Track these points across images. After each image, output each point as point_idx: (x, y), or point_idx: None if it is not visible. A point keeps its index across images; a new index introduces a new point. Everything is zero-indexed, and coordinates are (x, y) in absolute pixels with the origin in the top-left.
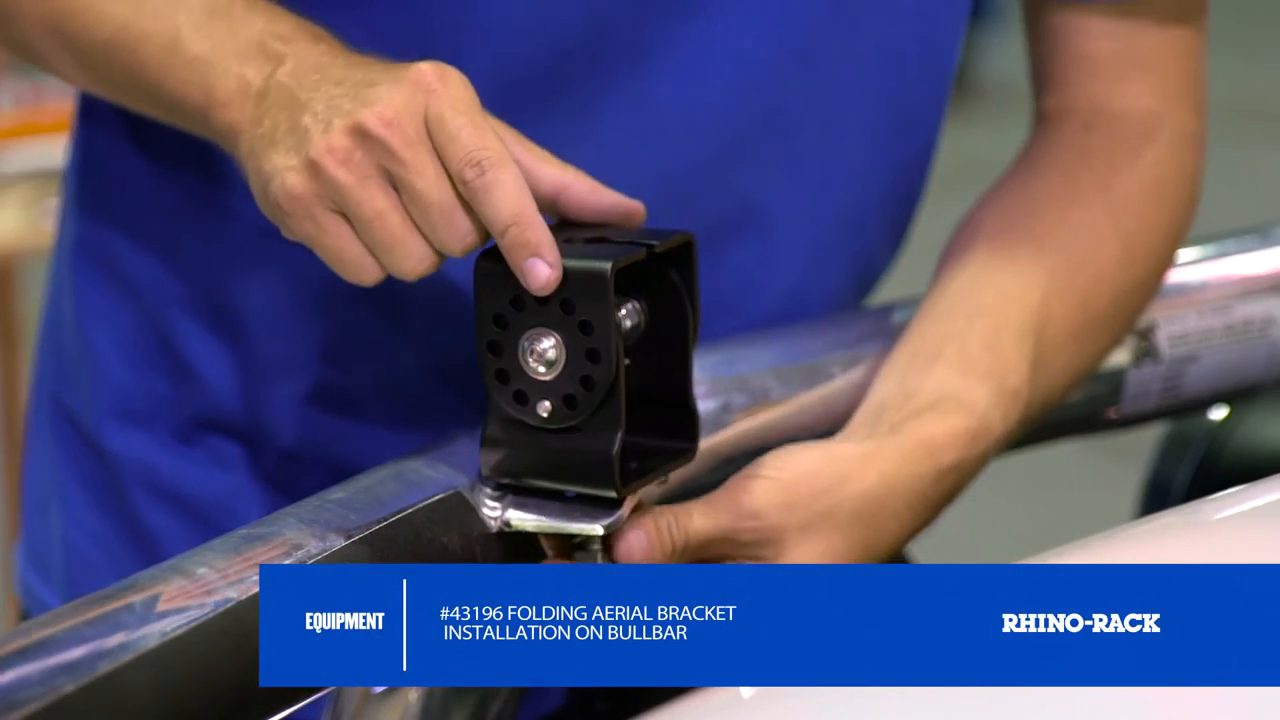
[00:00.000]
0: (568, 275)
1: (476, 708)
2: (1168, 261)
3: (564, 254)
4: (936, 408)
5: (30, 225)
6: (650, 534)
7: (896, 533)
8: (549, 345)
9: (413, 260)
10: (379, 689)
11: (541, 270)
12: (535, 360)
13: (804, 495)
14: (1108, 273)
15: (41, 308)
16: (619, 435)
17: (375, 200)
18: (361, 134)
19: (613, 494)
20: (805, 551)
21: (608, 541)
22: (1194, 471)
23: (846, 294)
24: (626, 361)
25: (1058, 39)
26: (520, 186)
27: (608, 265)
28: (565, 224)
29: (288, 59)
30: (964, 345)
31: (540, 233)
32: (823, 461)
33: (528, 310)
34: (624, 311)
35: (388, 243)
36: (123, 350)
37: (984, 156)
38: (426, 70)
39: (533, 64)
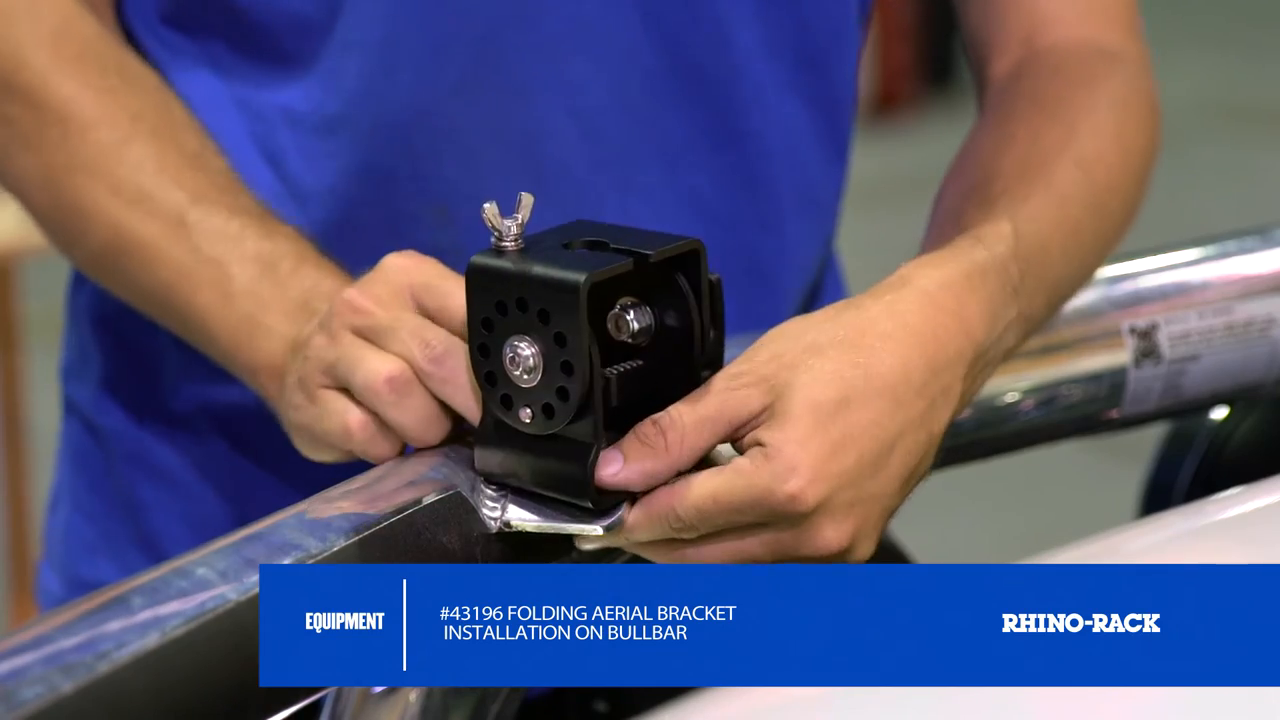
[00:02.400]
0: (545, 284)
1: (476, 708)
2: (1125, 134)
3: (548, 262)
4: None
5: (30, 225)
6: (629, 446)
7: (896, 356)
8: (529, 353)
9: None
10: (379, 689)
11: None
12: (516, 367)
13: (779, 346)
14: (1055, 145)
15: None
16: (596, 450)
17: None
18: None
19: (588, 504)
20: (806, 384)
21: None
22: (1195, 471)
23: (802, 235)
24: (637, 364)
25: None
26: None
27: (581, 277)
28: (575, 226)
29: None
30: (937, 241)
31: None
32: (799, 319)
33: (510, 316)
34: (631, 315)
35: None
36: (108, 330)
37: None
38: (397, 260)
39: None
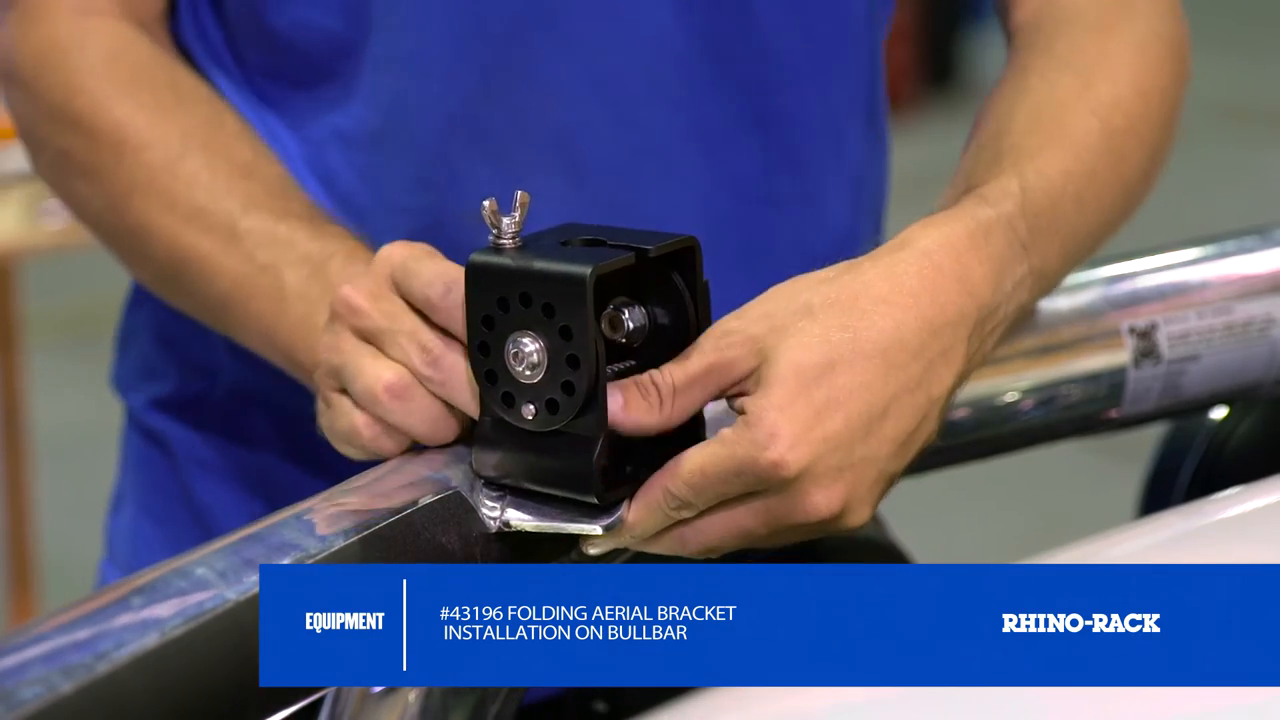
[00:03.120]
0: (549, 278)
1: (476, 708)
2: (1147, 79)
3: (550, 257)
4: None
5: (30, 225)
6: (630, 393)
7: (889, 318)
8: (532, 349)
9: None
10: (379, 689)
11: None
12: (519, 363)
13: (772, 306)
14: (1071, 96)
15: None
16: (600, 443)
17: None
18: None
19: (594, 500)
20: (791, 348)
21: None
22: (1194, 471)
23: (847, 212)
24: (631, 363)
25: None
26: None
27: (587, 270)
28: (568, 227)
29: None
30: (948, 201)
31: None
32: (794, 280)
33: (513, 312)
34: (627, 314)
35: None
36: (170, 346)
37: None
38: (388, 252)
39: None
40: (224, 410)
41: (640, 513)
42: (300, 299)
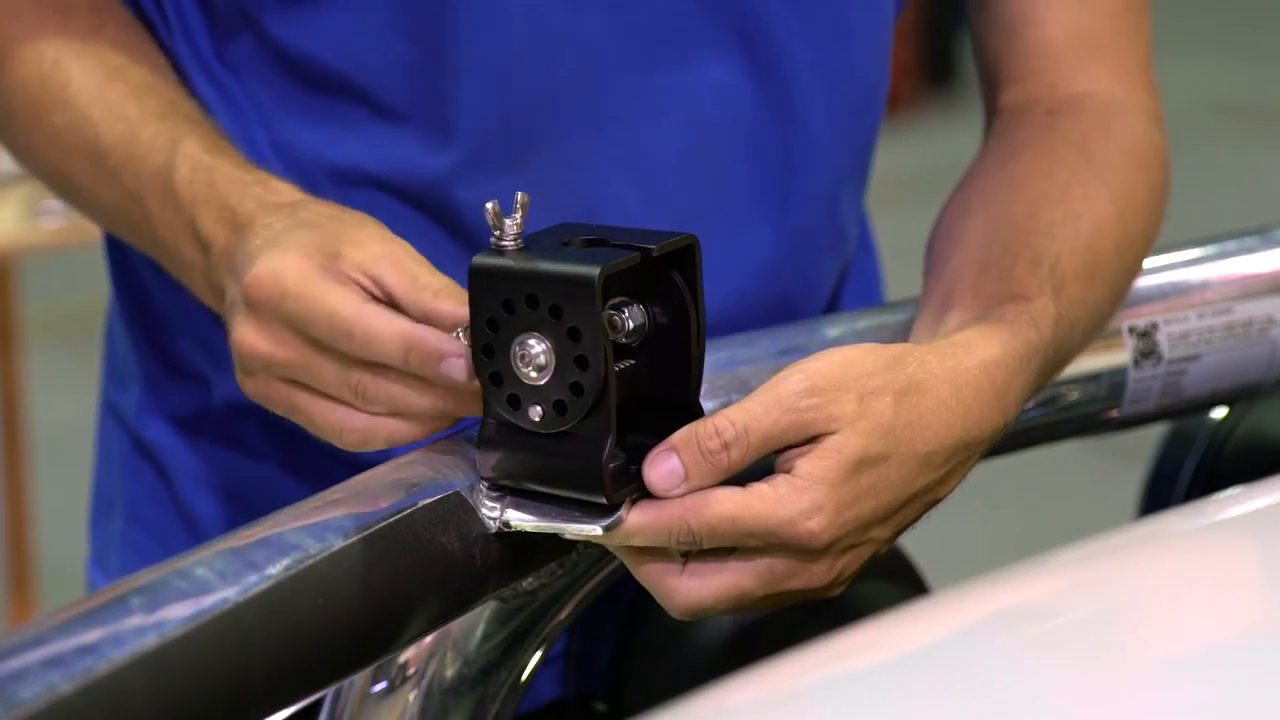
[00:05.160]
0: (556, 279)
1: (476, 708)
2: (1156, 222)
3: (555, 258)
4: (964, 328)
5: (30, 225)
6: (693, 459)
7: (944, 425)
8: (539, 350)
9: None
10: (378, 688)
11: (458, 368)
12: (526, 365)
13: (845, 378)
14: (1106, 223)
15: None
16: (609, 442)
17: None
18: (241, 360)
19: (603, 500)
20: (863, 432)
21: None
22: (1194, 471)
23: (826, 272)
24: (630, 363)
25: (1013, 31)
26: (389, 316)
27: (595, 270)
28: (567, 227)
29: (212, 246)
30: (979, 285)
31: (436, 338)
32: (863, 351)
33: (518, 314)
34: (627, 314)
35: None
36: (150, 348)
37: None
38: (257, 281)
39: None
40: (219, 422)
41: (643, 527)
42: (161, 223)
